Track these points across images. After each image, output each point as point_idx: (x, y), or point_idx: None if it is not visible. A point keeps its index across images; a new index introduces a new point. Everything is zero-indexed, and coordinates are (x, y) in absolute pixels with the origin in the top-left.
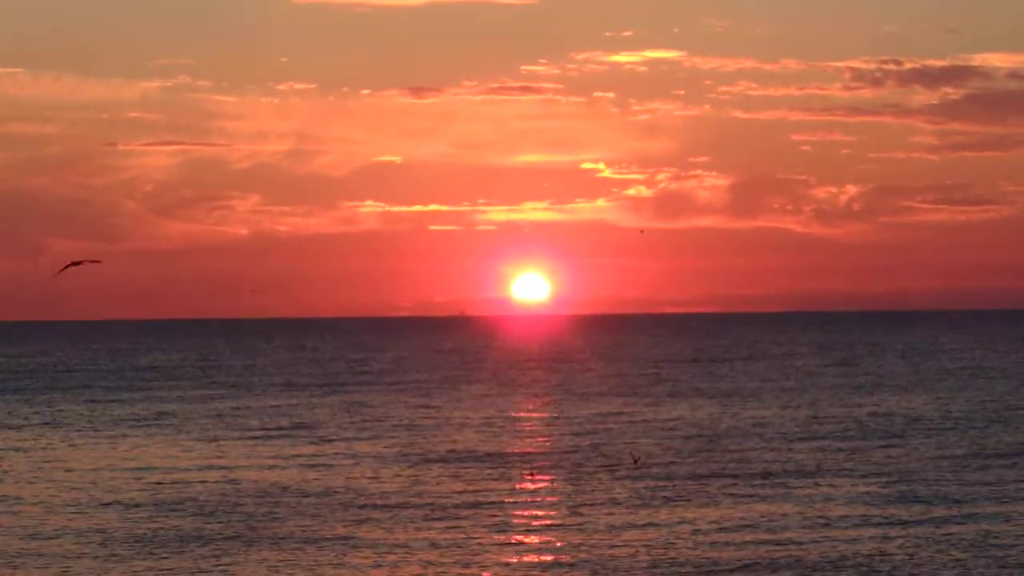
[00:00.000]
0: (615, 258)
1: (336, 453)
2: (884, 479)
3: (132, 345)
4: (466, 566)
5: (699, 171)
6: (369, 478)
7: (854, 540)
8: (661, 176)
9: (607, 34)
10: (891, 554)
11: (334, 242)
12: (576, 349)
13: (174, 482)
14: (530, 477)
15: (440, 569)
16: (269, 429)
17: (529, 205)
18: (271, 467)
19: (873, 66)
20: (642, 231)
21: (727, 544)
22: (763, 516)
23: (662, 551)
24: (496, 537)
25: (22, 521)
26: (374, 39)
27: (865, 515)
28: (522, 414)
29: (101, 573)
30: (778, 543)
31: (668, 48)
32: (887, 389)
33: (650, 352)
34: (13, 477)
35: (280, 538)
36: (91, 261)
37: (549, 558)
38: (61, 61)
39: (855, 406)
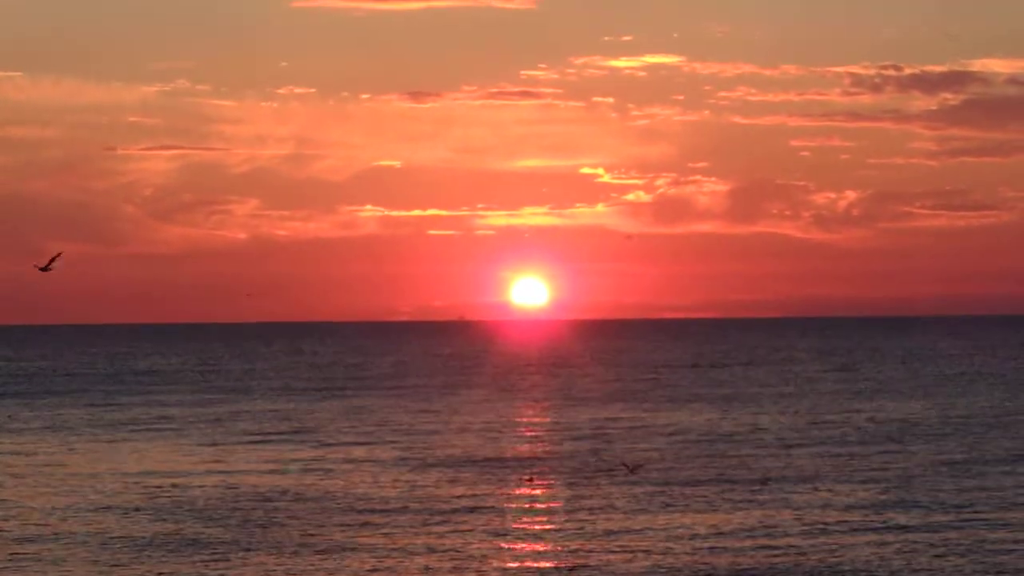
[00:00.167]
0: (614, 263)
1: (335, 457)
2: (882, 485)
3: (131, 349)
4: (464, 571)
5: (698, 176)
6: (368, 482)
7: (852, 546)
8: (660, 181)
9: (606, 39)
10: (889, 559)
11: (333, 247)
12: (575, 354)
13: (173, 486)
14: (529, 482)
15: (438, 574)
16: (268, 433)
17: (528, 210)
18: (270, 471)
19: (872, 72)
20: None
21: (725, 549)
22: (761, 521)
23: (660, 556)
24: (494, 542)
25: (21, 525)
26: (373, 44)
27: (863, 521)
28: (521, 419)
29: None
30: (776, 549)
31: (667, 53)
32: (886, 395)
33: (649, 357)
34: (13, 481)
35: (279, 542)
36: (54, 258)
37: (547, 564)
38: (61, 65)
39: (854, 412)
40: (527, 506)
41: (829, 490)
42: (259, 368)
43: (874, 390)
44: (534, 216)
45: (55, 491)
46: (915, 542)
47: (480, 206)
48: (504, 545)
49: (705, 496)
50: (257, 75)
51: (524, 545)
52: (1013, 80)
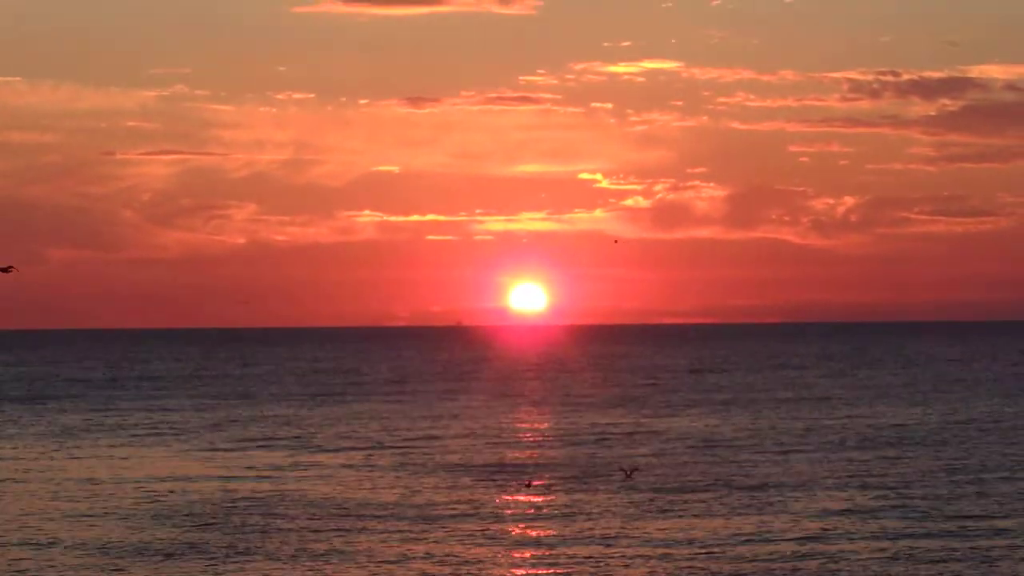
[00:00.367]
0: (613, 268)
1: (333, 463)
2: (881, 491)
3: (130, 354)
4: None
5: (697, 182)
6: (366, 488)
7: (850, 552)
8: (659, 187)
9: (605, 44)
10: (887, 566)
11: (332, 252)
12: (573, 359)
13: (172, 491)
14: (527, 487)
15: None
16: (266, 439)
17: (527, 215)
18: (268, 477)
19: (871, 77)
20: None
21: (723, 555)
22: (759, 527)
23: (658, 562)
24: (492, 548)
25: (20, 530)
26: (372, 49)
27: (861, 527)
28: (519, 424)
29: None
30: (774, 554)
31: (666, 59)
32: (884, 400)
33: (647, 362)
34: (11, 486)
35: (277, 548)
36: (3, 270)
37: (546, 571)
38: (59, 70)
39: (852, 417)
40: (525, 512)
41: (827, 496)
42: (257, 374)
43: (872, 396)
44: (532, 221)
45: (54, 497)
46: (914, 548)
47: (479, 211)
48: (502, 551)
49: (703, 502)
50: (256, 80)
51: (522, 551)
52: (1011, 86)
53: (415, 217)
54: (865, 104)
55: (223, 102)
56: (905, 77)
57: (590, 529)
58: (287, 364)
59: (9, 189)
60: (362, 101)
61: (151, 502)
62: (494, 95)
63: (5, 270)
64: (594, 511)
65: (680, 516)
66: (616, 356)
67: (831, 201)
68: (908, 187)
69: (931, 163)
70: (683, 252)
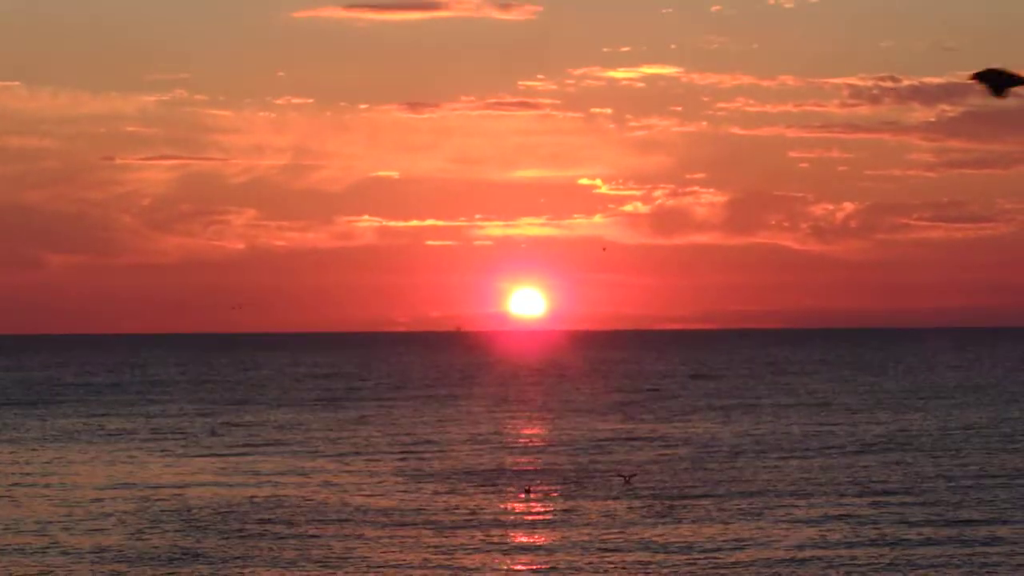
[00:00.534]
0: (612, 274)
1: (332, 469)
2: (879, 497)
3: (129, 359)
4: None
5: (696, 187)
6: (365, 494)
7: (850, 559)
8: (658, 192)
9: (604, 50)
10: (887, 573)
11: (331, 257)
12: (573, 365)
13: (169, 497)
14: (526, 493)
15: None
16: (265, 444)
17: (526, 220)
18: (267, 482)
19: (870, 83)
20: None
21: (722, 562)
22: (758, 534)
23: (657, 568)
24: (491, 555)
25: (18, 537)
26: (372, 54)
27: (861, 534)
28: (518, 430)
29: None
30: (774, 561)
31: (665, 64)
32: (884, 406)
33: (647, 368)
34: (9, 491)
35: (276, 554)
36: None
37: None
38: (59, 75)
39: (852, 423)
40: (524, 518)
41: (826, 502)
42: (256, 379)
43: (872, 402)
44: (532, 227)
45: (54, 502)
46: (913, 555)
47: (478, 216)
48: (501, 557)
49: (702, 507)
50: (255, 85)
51: (521, 557)
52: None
53: (414, 222)
54: (865, 110)
55: (222, 107)
56: (905, 83)
57: (589, 535)
58: (287, 369)
59: (9, 194)
60: (361, 106)
61: (150, 507)
62: (493, 100)
63: None
64: (593, 517)
65: (679, 522)
66: (615, 361)
67: (830, 207)
68: (907, 193)
69: (930, 169)
70: (682, 257)
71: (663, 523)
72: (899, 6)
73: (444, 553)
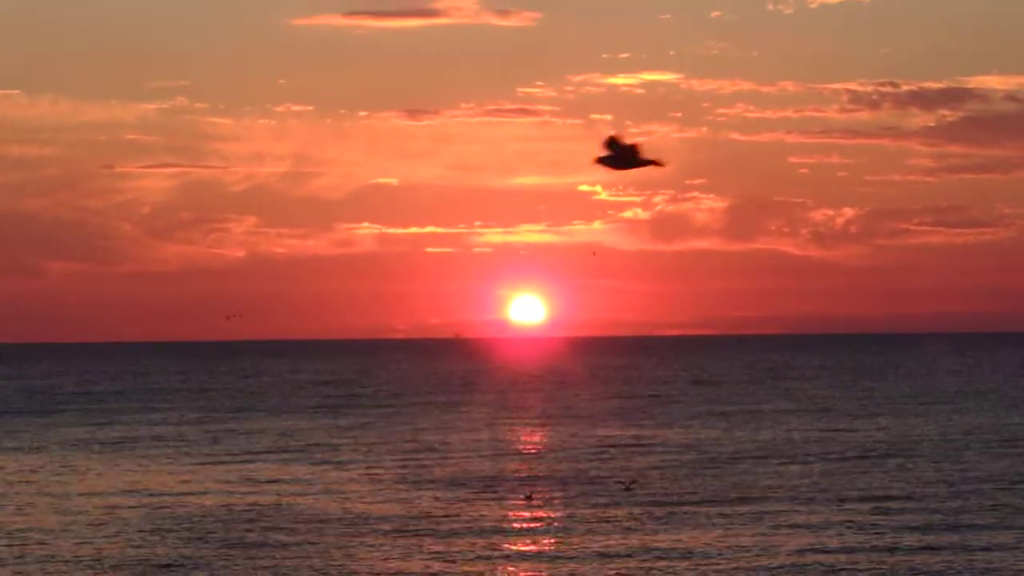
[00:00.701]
0: (612, 280)
1: (332, 476)
2: (881, 503)
3: (129, 367)
4: None
5: (696, 193)
6: (365, 501)
7: (850, 566)
8: (658, 198)
9: (604, 56)
10: None
11: (331, 264)
12: (573, 371)
13: (171, 505)
14: (527, 500)
15: None
16: (266, 452)
17: (525, 227)
18: (267, 490)
19: (870, 88)
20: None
21: (723, 569)
22: (758, 540)
23: (659, 575)
24: (492, 562)
25: (20, 545)
26: (371, 61)
27: (862, 541)
28: (518, 437)
29: None
30: (774, 568)
31: (665, 70)
32: (885, 412)
33: (647, 375)
34: (8, 500)
35: (276, 562)
36: None
37: None
38: (59, 83)
39: (853, 429)
40: (525, 525)
41: (827, 508)
42: (256, 386)
43: (873, 407)
44: (531, 233)
45: (54, 511)
46: (913, 564)
47: (477, 223)
48: (502, 564)
49: (703, 514)
50: (255, 93)
51: (522, 564)
52: (1011, 97)
53: (414, 229)
54: (864, 115)
55: (222, 115)
56: (904, 88)
57: (590, 542)
58: (287, 376)
59: (8, 202)
60: (361, 113)
61: (152, 515)
62: (493, 107)
63: None
64: (594, 524)
65: (680, 529)
66: (615, 368)
67: (830, 212)
68: (907, 198)
69: (930, 174)
70: (682, 263)
71: (664, 529)
72: (899, 11)
73: (446, 560)
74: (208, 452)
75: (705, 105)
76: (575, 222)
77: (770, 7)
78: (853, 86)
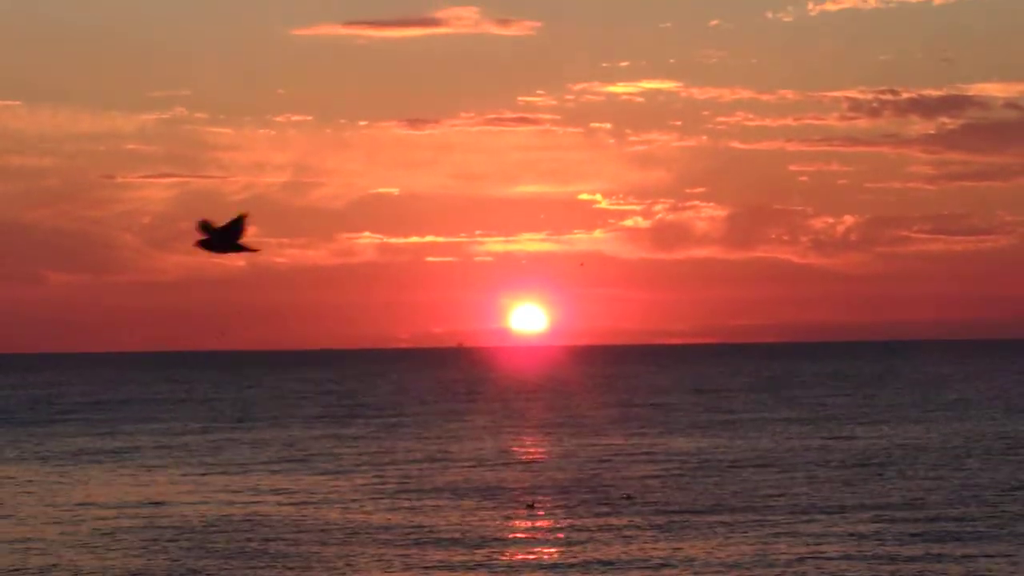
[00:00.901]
0: (613, 289)
1: (333, 486)
2: (882, 512)
3: (130, 377)
4: None
5: (696, 202)
6: (367, 511)
7: (852, 574)
8: (658, 207)
9: (604, 65)
10: None
11: (332, 274)
12: (574, 380)
13: (171, 516)
14: (529, 509)
15: None
16: (265, 462)
17: (526, 236)
18: (268, 501)
19: (870, 96)
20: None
21: None
22: (760, 550)
23: None
24: (494, 571)
25: (20, 555)
26: (371, 71)
27: (863, 550)
28: (520, 446)
29: None
30: None
31: (665, 79)
32: (886, 420)
33: (648, 383)
34: (8, 510)
35: (277, 573)
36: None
37: None
38: (59, 94)
39: (854, 437)
40: (527, 534)
41: (828, 518)
42: (257, 396)
43: (874, 415)
44: (532, 242)
45: (54, 521)
46: (916, 571)
47: (478, 232)
48: (504, 574)
49: (704, 523)
50: (255, 103)
51: (523, 574)
52: (1011, 104)
53: (415, 239)
54: (864, 123)
55: (222, 125)
56: (904, 96)
57: (591, 551)
58: (288, 386)
59: (9, 213)
60: (361, 123)
61: (153, 526)
62: (493, 116)
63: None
64: (595, 533)
65: (681, 538)
66: (616, 376)
67: (831, 220)
68: (908, 206)
69: (930, 182)
70: (683, 272)
71: (665, 539)
72: (898, 19)
73: (448, 570)
74: (210, 462)
75: (705, 113)
76: (576, 231)
77: (769, 15)
78: (853, 94)
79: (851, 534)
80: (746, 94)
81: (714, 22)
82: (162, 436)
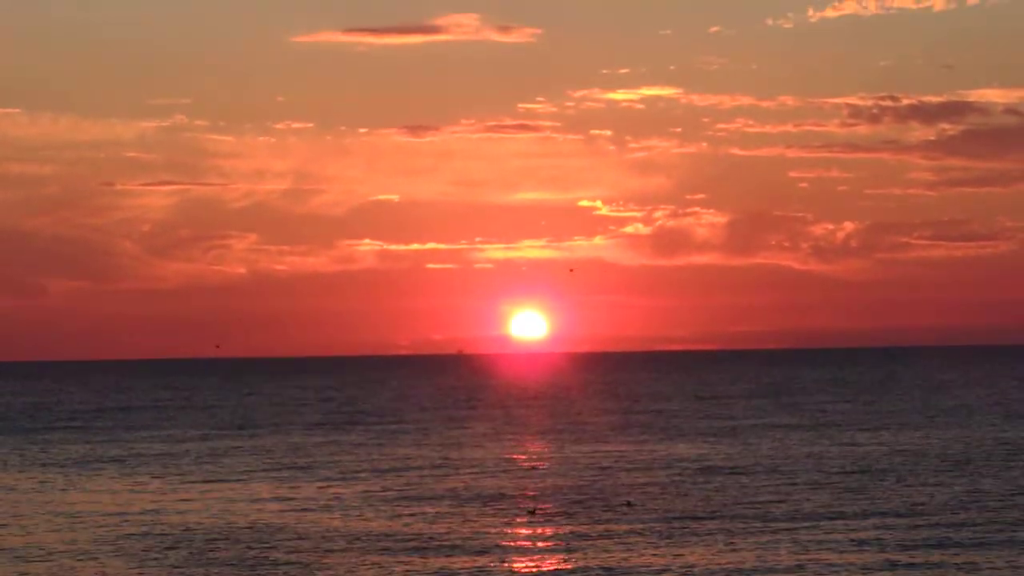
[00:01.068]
0: (613, 295)
1: (334, 493)
2: (883, 519)
3: (129, 385)
4: None
5: (696, 208)
6: (368, 518)
7: None
8: (658, 213)
9: (604, 71)
10: None
11: (332, 281)
12: (574, 387)
13: (171, 523)
14: (531, 516)
15: None
16: (266, 469)
17: (527, 243)
18: (268, 508)
19: (870, 102)
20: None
21: None
22: (761, 557)
23: None
24: None
25: (21, 563)
26: (371, 78)
27: (864, 558)
28: (521, 453)
29: None
30: None
31: (665, 85)
32: (886, 427)
33: (648, 390)
34: (8, 518)
35: None
36: None
37: None
38: (59, 101)
39: (855, 444)
40: (528, 541)
41: (830, 525)
42: (257, 403)
43: (875, 422)
44: (532, 249)
45: (56, 529)
46: None
47: (478, 239)
48: None
49: (706, 530)
50: (255, 110)
51: None
52: (1011, 110)
53: (415, 246)
54: (864, 129)
55: (222, 132)
56: (904, 102)
57: (592, 558)
58: (288, 393)
59: (9, 220)
60: (361, 130)
61: (152, 534)
62: (493, 123)
63: None
64: (596, 540)
65: (682, 544)
66: (617, 383)
67: (831, 226)
68: (908, 212)
69: (931, 188)
70: (683, 278)
71: (666, 545)
72: (898, 25)
73: None
74: (210, 469)
75: (705, 120)
76: (576, 237)
77: (769, 22)
78: (853, 100)
79: (852, 540)
80: (746, 100)
81: (714, 29)
82: (162, 443)
